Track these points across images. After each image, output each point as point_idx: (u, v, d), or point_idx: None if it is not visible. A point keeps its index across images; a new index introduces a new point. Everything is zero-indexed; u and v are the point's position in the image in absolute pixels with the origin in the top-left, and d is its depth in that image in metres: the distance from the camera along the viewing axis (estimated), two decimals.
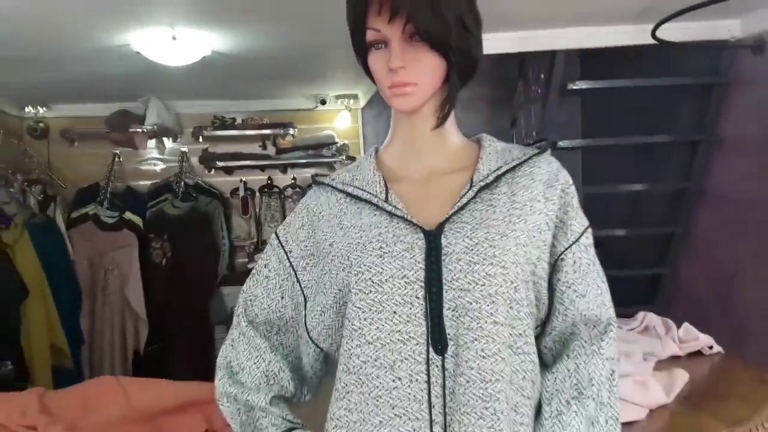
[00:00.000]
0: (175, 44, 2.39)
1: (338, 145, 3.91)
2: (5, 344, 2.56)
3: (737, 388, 1.62)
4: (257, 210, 4.04)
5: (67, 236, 3.45)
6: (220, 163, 3.91)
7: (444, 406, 0.89)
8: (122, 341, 3.45)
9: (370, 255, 0.93)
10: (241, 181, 3.99)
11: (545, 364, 1.00)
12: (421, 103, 0.96)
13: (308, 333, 1.03)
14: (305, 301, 1.04)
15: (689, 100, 3.22)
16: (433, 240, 0.92)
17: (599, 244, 3.33)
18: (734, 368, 1.81)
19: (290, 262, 1.05)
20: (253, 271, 1.10)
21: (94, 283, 3.54)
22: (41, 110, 3.77)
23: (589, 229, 1.01)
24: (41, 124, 3.79)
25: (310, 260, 1.04)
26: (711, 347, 1.91)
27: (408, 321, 0.90)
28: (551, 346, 1.01)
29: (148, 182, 3.92)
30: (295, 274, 1.05)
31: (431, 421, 0.89)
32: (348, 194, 1.01)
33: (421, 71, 0.93)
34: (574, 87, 3.04)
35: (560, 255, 0.97)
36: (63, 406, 1.45)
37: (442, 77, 0.95)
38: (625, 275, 3.68)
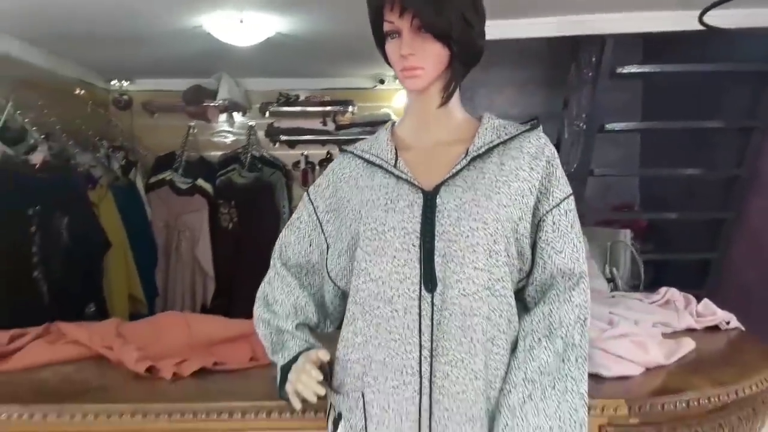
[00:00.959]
0: (242, 26, 2.63)
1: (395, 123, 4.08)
2: (90, 290, 2.90)
3: (742, 359, 1.68)
4: None
5: (146, 199, 3.81)
6: (283, 137, 4.18)
7: (431, 334, 1.08)
8: (192, 295, 3.80)
9: (377, 209, 1.12)
10: (302, 154, 4.25)
11: (528, 311, 1.17)
12: (428, 84, 1.14)
13: (329, 273, 1.24)
14: (327, 248, 1.25)
15: (744, 86, 3.20)
16: (429, 199, 1.10)
17: (651, 227, 3.43)
18: (747, 343, 1.87)
19: (317, 216, 1.26)
20: (288, 222, 1.32)
21: (168, 243, 3.89)
22: (125, 84, 4.13)
23: (571, 197, 1.16)
24: (125, 97, 4.15)
25: (333, 215, 1.24)
26: (728, 323, 1.98)
27: (405, 264, 1.09)
28: (533, 295, 1.17)
29: (218, 153, 4.23)
30: (321, 225, 1.26)
31: (420, 345, 1.08)
32: (365, 160, 1.20)
33: (427, 58, 1.10)
34: (623, 71, 3.09)
35: (542, 217, 1.14)
36: (135, 333, 1.71)
37: (446, 63, 1.13)
38: (675, 259, 3.71)
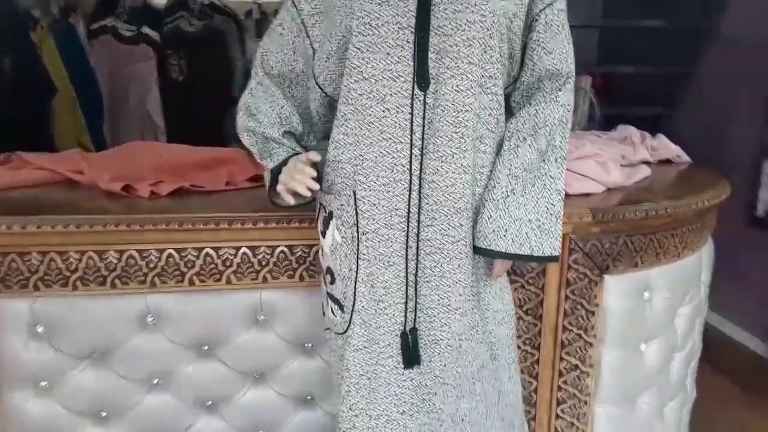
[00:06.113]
0: None
1: None
2: (38, 137, 2.79)
3: (692, 183, 1.82)
4: None
5: (88, 47, 3.56)
6: None
7: (423, 132, 1.10)
8: None
9: (370, 3, 1.08)
10: (254, 2, 4.00)
11: (513, 115, 1.20)
12: None
13: (315, 79, 1.22)
14: (314, 52, 1.21)
15: None
16: None
17: (608, 85, 3.43)
18: (696, 172, 2.00)
19: (301, 19, 1.21)
20: (269, 29, 1.27)
21: (115, 96, 3.69)
22: None
23: None
24: None
25: (320, 17, 1.19)
26: (679, 156, 2.10)
27: (398, 62, 1.08)
28: (519, 100, 1.20)
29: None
30: (306, 29, 1.21)
31: (411, 144, 1.10)
32: None
33: None
34: None
35: (535, 16, 1.13)
36: (103, 161, 1.65)
37: None
38: (629, 115, 3.81)
